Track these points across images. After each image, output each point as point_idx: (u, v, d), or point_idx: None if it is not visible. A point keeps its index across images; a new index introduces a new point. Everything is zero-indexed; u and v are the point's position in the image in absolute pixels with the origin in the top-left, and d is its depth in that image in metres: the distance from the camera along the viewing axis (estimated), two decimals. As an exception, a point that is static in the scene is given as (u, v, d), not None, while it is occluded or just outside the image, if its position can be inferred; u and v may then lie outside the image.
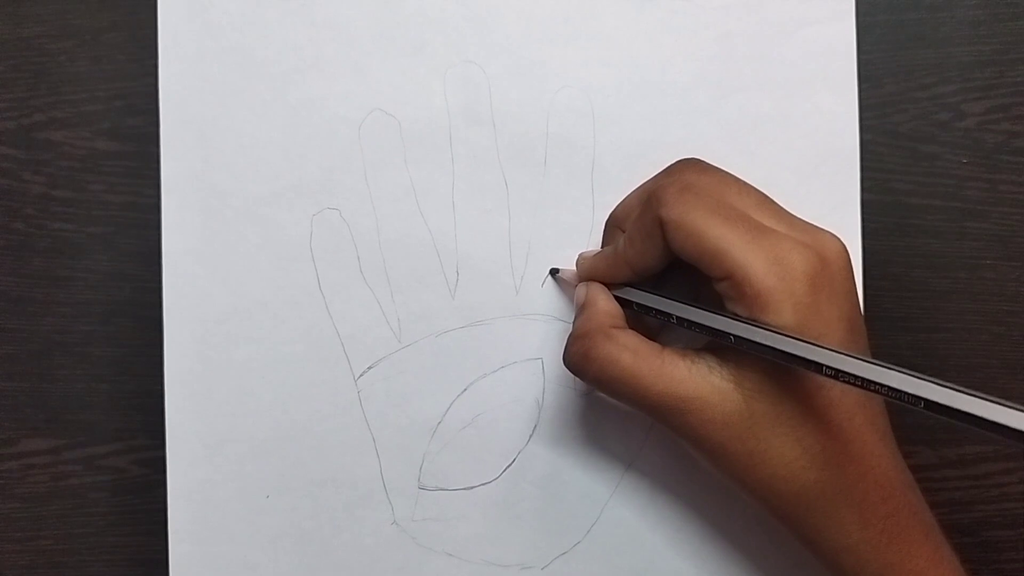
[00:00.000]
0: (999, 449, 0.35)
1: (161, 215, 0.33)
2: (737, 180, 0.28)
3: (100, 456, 0.35)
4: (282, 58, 0.33)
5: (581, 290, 0.30)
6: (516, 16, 0.33)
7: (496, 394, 0.33)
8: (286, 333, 0.33)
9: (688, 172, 0.28)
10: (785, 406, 0.26)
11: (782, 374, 0.26)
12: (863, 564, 0.27)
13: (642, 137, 0.33)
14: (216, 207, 0.33)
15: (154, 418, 0.33)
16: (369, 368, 0.33)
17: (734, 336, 0.25)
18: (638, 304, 0.29)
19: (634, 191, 0.31)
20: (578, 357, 0.28)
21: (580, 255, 0.32)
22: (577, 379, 0.33)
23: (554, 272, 0.33)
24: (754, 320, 0.25)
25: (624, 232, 0.29)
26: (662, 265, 0.28)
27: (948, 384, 0.22)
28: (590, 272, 0.31)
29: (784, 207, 0.28)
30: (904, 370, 0.22)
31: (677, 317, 0.27)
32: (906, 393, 0.22)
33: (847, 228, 0.33)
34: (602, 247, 0.32)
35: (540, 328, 0.33)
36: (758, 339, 0.25)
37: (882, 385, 0.23)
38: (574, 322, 0.30)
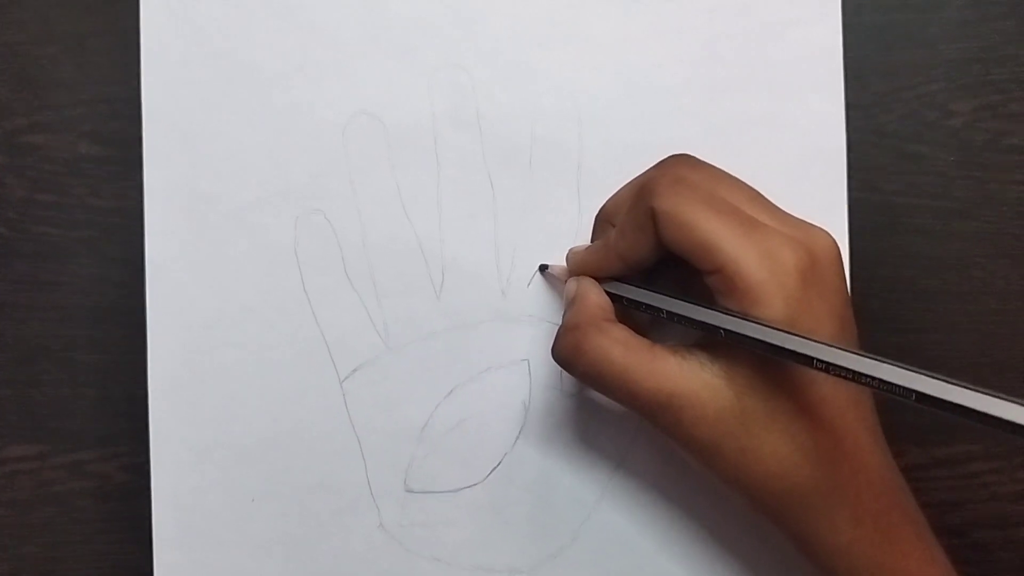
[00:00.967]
0: (989, 448, 0.34)
1: (145, 219, 0.33)
2: (729, 175, 0.28)
3: (85, 462, 0.34)
4: (267, 61, 0.33)
5: (571, 284, 0.30)
6: (502, 19, 0.33)
7: (482, 397, 0.33)
8: (271, 337, 0.33)
9: (680, 166, 0.28)
10: (777, 402, 0.26)
11: (773, 370, 0.26)
12: (855, 565, 0.26)
13: (628, 139, 0.33)
14: (200, 211, 0.33)
15: (139, 424, 0.33)
16: (354, 371, 0.33)
17: (724, 330, 0.25)
18: (628, 299, 0.29)
19: (625, 185, 0.31)
20: (568, 350, 0.28)
21: (570, 250, 0.31)
22: (564, 381, 0.33)
23: (543, 268, 0.33)
24: (745, 314, 0.25)
25: (614, 226, 0.29)
26: (653, 258, 0.28)
27: (939, 376, 0.21)
28: (581, 266, 0.30)
29: (775, 203, 0.28)
30: (895, 363, 0.22)
31: (667, 312, 0.27)
32: (897, 385, 0.22)
33: (834, 228, 0.33)
34: (591, 242, 0.32)
35: (526, 330, 0.33)
36: (748, 332, 0.25)
37: (873, 378, 0.22)
38: (564, 315, 0.30)
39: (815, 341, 0.24)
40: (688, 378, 0.26)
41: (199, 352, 0.33)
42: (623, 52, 0.33)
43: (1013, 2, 0.34)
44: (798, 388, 0.26)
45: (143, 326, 0.33)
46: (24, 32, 0.34)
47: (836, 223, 0.33)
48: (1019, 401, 0.20)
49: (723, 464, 0.27)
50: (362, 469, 0.33)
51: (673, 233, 0.26)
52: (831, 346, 0.23)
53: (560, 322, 0.30)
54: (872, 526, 0.26)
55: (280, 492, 0.33)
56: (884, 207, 0.34)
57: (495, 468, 0.33)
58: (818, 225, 0.27)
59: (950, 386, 0.21)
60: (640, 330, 0.28)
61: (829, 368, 0.23)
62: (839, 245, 0.27)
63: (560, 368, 0.32)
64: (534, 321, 0.33)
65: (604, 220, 0.31)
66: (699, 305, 0.26)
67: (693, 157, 0.29)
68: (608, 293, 0.29)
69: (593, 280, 0.30)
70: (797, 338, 0.24)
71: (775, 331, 0.24)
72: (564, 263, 0.32)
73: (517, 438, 0.33)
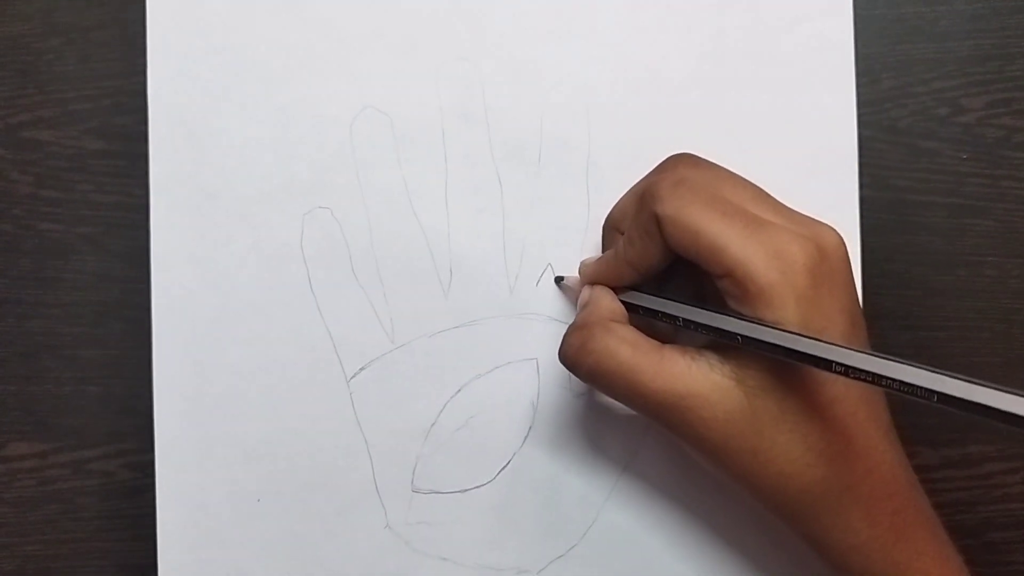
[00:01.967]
0: (1002, 449, 0.34)
1: (150, 215, 0.32)
2: (731, 174, 0.28)
3: (88, 460, 0.34)
4: (272, 56, 0.33)
5: (585, 291, 0.30)
6: (510, 13, 0.33)
7: (490, 395, 0.33)
8: (277, 334, 0.32)
9: (681, 167, 0.28)
10: (788, 403, 0.26)
11: (784, 370, 0.26)
12: (870, 563, 0.26)
13: (637, 135, 0.33)
14: (206, 207, 0.32)
15: (143, 421, 0.33)
16: (361, 369, 0.33)
17: (741, 336, 0.25)
18: (644, 308, 0.28)
19: (627, 192, 0.30)
20: (574, 349, 0.27)
21: (582, 262, 0.31)
22: (573, 380, 0.32)
23: (559, 280, 0.32)
24: (758, 318, 0.25)
25: (622, 234, 0.29)
26: (665, 263, 0.27)
27: (961, 376, 0.21)
28: (593, 277, 0.30)
29: (780, 200, 0.28)
30: (916, 364, 0.22)
31: (683, 319, 0.27)
32: (919, 387, 0.21)
33: (846, 225, 0.32)
34: (602, 251, 0.31)
35: (535, 328, 0.33)
36: (766, 338, 0.24)
37: (894, 379, 0.22)
38: (575, 319, 0.29)
39: (833, 344, 0.23)
40: (698, 379, 0.26)
41: (204, 349, 0.32)
42: (631, 46, 0.33)
43: (1027, -3, 0.34)
44: (809, 388, 0.26)
45: (148, 323, 0.32)
46: (28, 25, 0.34)
47: (848, 220, 0.33)
48: None
49: (734, 465, 0.26)
50: (368, 468, 0.33)
51: (679, 238, 0.26)
52: (849, 349, 0.23)
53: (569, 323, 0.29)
54: (886, 525, 0.26)
55: (286, 491, 0.33)
56: (896, 204, 0.34)
57: (503, 468, 0.33)
58: (824, 221, 0.27)
59: (973, 386, 0.21)
60: (659, 339, 0.28)
61: (849, 372, 0.23)
62: (849, 244, 0.27)
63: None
64: (543, 319, 0.33)
65: (611, 228, 0.30)
66: (714, 312, 0.26)
67: (694, 156, 0.29)
68: (625, 303, 0.29)
69: (607, 288, 0.30)
70: (815, 342, 0.23)
71: (792, 335, 0.24)
72: (575, 263, 0.32)
73: (526, 438, 0.33)
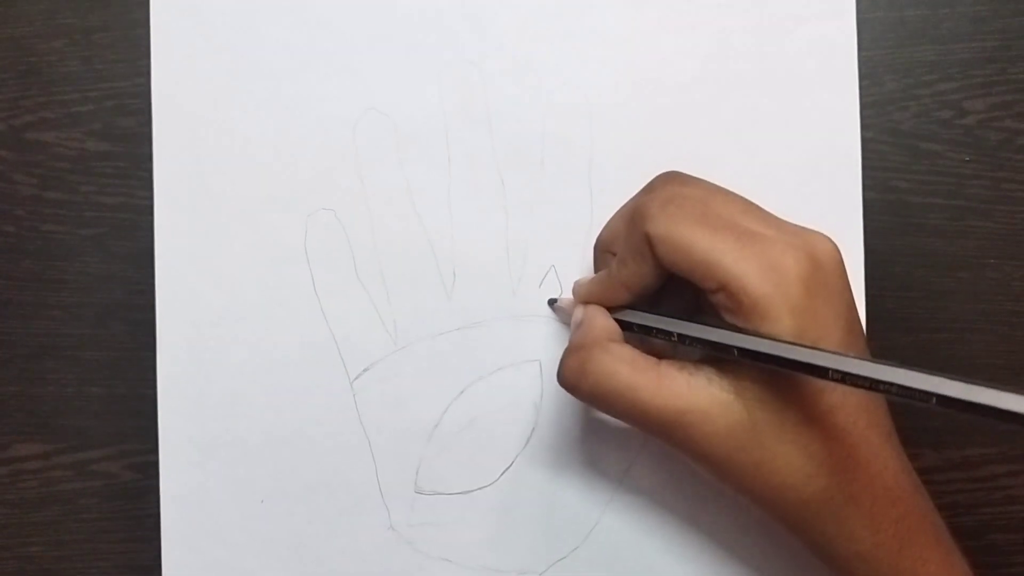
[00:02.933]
0: (1004, 451, 0.34)
1: (153, 217, 0.32)
2: (719, 188, 0.28)
3: (91, 461, 0.34)
4: (275, 57, 0.33)
5: (578, 311, 0.30)
6: (513, 14, 0.33)
7: (493, 397, 0.33)
8: (280, 336, 0.32)
9: (669, 185, 0.28)
10: (788, 413, 0.26)
11: (782, 382, 0.26)
12: (875, 571, 0.26)
13: (640, 136, 0.33)
14: (209, 208, 0.32)
15: (146, 422, 0.33)
16: (364, 371, 0.33)
17: (737, 349, 0.25)
18: (639, 325, 0.28)
19: (616, 213, 0.30)
20: (573, 371, 0.27)
21: (576, 282, 0.31)
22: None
23: (552, 302, 0.32)
24: (754, 330, 0.25)
25: (614, 255, 0.29)
26: (658, 282, 0.27)
27: (959, 377, 0.21)
28: (586, 298, 0.30)
29: (770, 210, 0.28)
30: (912, 367, 0.22)
31: (678, 334, 0.27)
32: (917, 390, 0.21)
33: (848, 227, 0.33)
34: (594, 273, 0.31)
35: (538, 330, 0.33)
36: (761, 349, 0.24)
37: (891, 384, 0.22)
38: (570, 340, 0.29)
39: (829, 352, 0.23)
40: (697, 394, 0.26)
41: (208, 350, 0.32)
42: (634, 47, 0.33)
43: (1029, -1, 0.34)
44: (808, 398, 0.26)
45: (151, 324, 0.32)
46: (31, 26, 0.34)
47: (850, 222, 0.33)
48: None
49: (737, 478, 0.26)
50: (372, 469, 0.33)
51: (671, 256, 0.26)
52: (845, 355, 0.23)
53: (567, 343, 0.29)
54: (890, 533, 0.26)
55: (289, 492, 0.33)
56: (898, 206, 0.34)
57: (506, 469, 0.33)
58: (817, 230, 0.27)
59: (972, 387, 0.21)
60: (654, 356, 0.28)
61: (845, 378, 0.23)
62: (851, 247, 0.27)
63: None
64: (546, 320, 0.33)
65: (603, 250, 0.30)
66: (709, 325, 0.26)
67: (681, 173, 0.29)
68: (619, 321, 0.29)
69: (600, 307, 0.29)
70: (810, 350, 0.24)
71: (787, 345, 0.24)
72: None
73: (529, 439, 0.33)
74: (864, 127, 0.33)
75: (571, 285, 0.32)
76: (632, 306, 0.29)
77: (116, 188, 0.34)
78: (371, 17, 0.33)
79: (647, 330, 0.28)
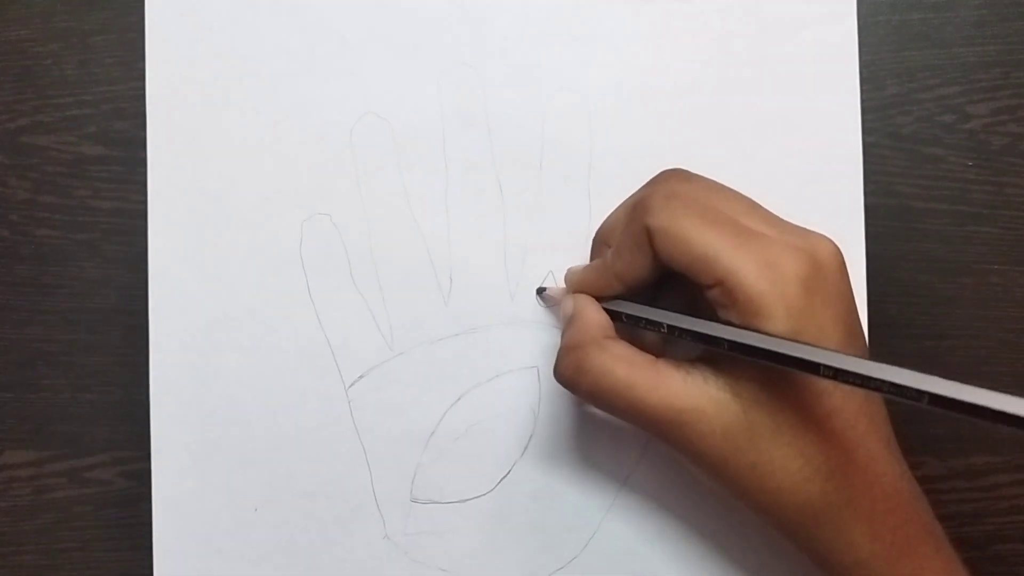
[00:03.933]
0: (1009, 460, 0.34)
1: (148, 221, 0.32)
2: (723, 187, 0.28)
3: (84, 468, 0.34)
4: (272, 61, 0.32)
5: (568, 302, 0.30)
6: (511, 18, 0.32)
7: (491, 404, 0.32)
8: (275, 341, 0.32)
9: (673, 181, 0.28)
10: (785, 415, 0.25)
11: (780, 383, 0.25)
12: None
13: (640, 141, 0.32)
14: (204, 213, 0.32)
15: (141, 429, 0.32)
16: (360, 377, 0.32)
17: (727, 342, 0.25)
18: (628, 315, 0.28)
19: (620, 205, 0.30)
20: (570, 370, 0.27)
21: (568, 269, 0.31)
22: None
23: (540, 291, 0.32)
24: (747, 325, 0.24)
25: (611, 247, 0.29)
26: (652, 277, 0.27)
27: (951, 377, 0.21)
28: (579, 286, 0.30)
29: (773, 212, 0.27)
30: (904, 368, 0.21)
31: (667, 326, 0.27)
32: (908, 388, 0.21)
33: (850, 232, 0.32)
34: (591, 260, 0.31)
35: (536, 336, 0.32)
36: (751, 342, 0.24)
37: (883, 381, 0.22)
38: (563, 335, 0.29)
39: (819, 347, 0.23)
40: (693, 393, 0.26)
41: (202, 356, 0.32)
42: (634, 51, 0.32)
43: (1032, 3, 0.33)
44: (806, 401, 0.25)
45: (145, 329, 0.32)
46: (26, 29, 0.34)
47: (852, 227, 0.32)
48: None
49: (733, 479, 0.26)
50: (367, 477, 0.32)
51: (670, 249, 0.26)
52: (836, 352, 0.23)
53: (560, 337, 0.29)
54: (888, 540, 0.26)
55: (283, 500, 0.32)
56: (900, 211, 0.34)
57: (504, 477, 0.32)
58: (820, 232, 0.27)
59: (964, 387, 0.20)
60: (643, 350, 0.28)
61: (837, 374, 0.22)
62: (853, 252, 0.27)
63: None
64: (544, 326, 0.32)
65: (601, 242, 0.30)
66: (699, 318, 0.26)
67: (686, 171, 0.29)
68: (608, 311, 0.29)
69: (590, 297, 0.29)
70: (801, 345, 0.23)
71: (779, 340, 0.24)
72: (563, 280, 0.31)
73: (526, 447, 0.32)
74: (866, 131, 0.32)
75: (558, 310, 0.32)
76: (621, 299, 0.29)
77: (111, 192, 0.34)
78: (369, 20, 0.32)
79: (636, 320, 0.28)
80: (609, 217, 0.30)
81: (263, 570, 0.32)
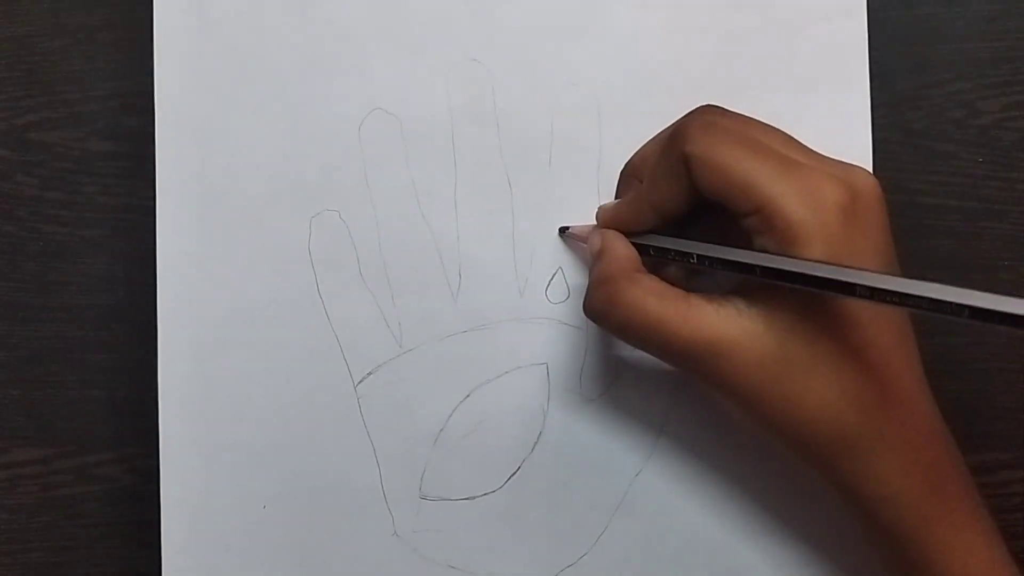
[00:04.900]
0: (1019, 456, 0.33)
1: (156, 217, 0.32)
2: (760, 121, 0.28)
3: (92, 465, 0.34)
4: (280, 56, 0.32)
5: (595, 237, 0.29)
6: (520, 13, 0.32)
7: (500, 400, 0.32)
8: (284, 338, 0.32)
9: (710, 113, 0.28)
10: (820, 346, 0.25)
11: (815, 313, 0.25)
12: (901, 516, 0.26)
13: (649, 135, 0.32)
14: (213, 209, 0.32)
15: (149, 426, 0.32)
16: (369, 374, 0.32)
17: (760, 268, 0.24)
18: (656, 248, 0.28)
19: (651, 139, 0.30)
20: (601, 303, 0.27)
21: (601, 207, 0.30)
22: (583, 385, 0.32)
23: (563, 230, 0.32)
24: (783, 253, 0.24)
25: (641, 181, 0.29)
26: (687, 207, 0.27)
27: (992, 291, 0.20)
28: (612, 220, 0.29)
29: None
30: (942, 283, 0.21)
31: (697, 256, 0.26)
32: (949, 303, 0.21)
33: (861, 228, 0.32)
34: (616, 198, 0.31)
35: (545, 332, 0.32)
36: (786, 267, 0.24)
37: (922, 298, 0.21)
38: (591, 270, 0.29)
39: (856, 268, 0.23)
40: (726, 325, 0.25)
41: (210, 353, 0.32)
42: (643, 46, 0.32)
43: (1043, -2, 0.33)
44: (841, 331, 0.25)
45: (153, 326, 0.32)
46: (33, 25, 0.34)
47: (863, 223, 0.32)
48: None
49: (766, 411, 0.26)
50: (376, 474, 0.32)
51: (708, 176, 0.25)
52: (873, 272, 0.22)
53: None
54: (920, 476, 0.26)
55: (292, 497, 0.32)
56: (910, 207, 0.33)
57: (513, 474, 0.32)
58: (859, 165, 0.26)
59: (1004, 298, 0.20)
60: (672, 284, 0.27)
61: (874, 294, 0.22)
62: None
63: (579, 372, 0.32)
64: (553, 323, 0.32)
65: (630, 175, 0.30)
66: (730, 246, 0.25)
67: (721, 107, 0.28)
68: (636, 245, 0.28)
69: (618, 232, 0.29)
70: (836, 267, 0.23)
71: (813, 263, 0.23)
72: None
73: (536, 444, 0.32)
74: (876, 127, 0.32)
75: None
76: (655, 232, 0.28)
77: (119, 189, 0.34)
78: (377, 15, 0.32)
79: (665, 253, 0.27)
80: (640, 150, 0.30)
81: (272, 567, 0.32)
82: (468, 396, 0.32)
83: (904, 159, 0.33)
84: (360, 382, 0.32)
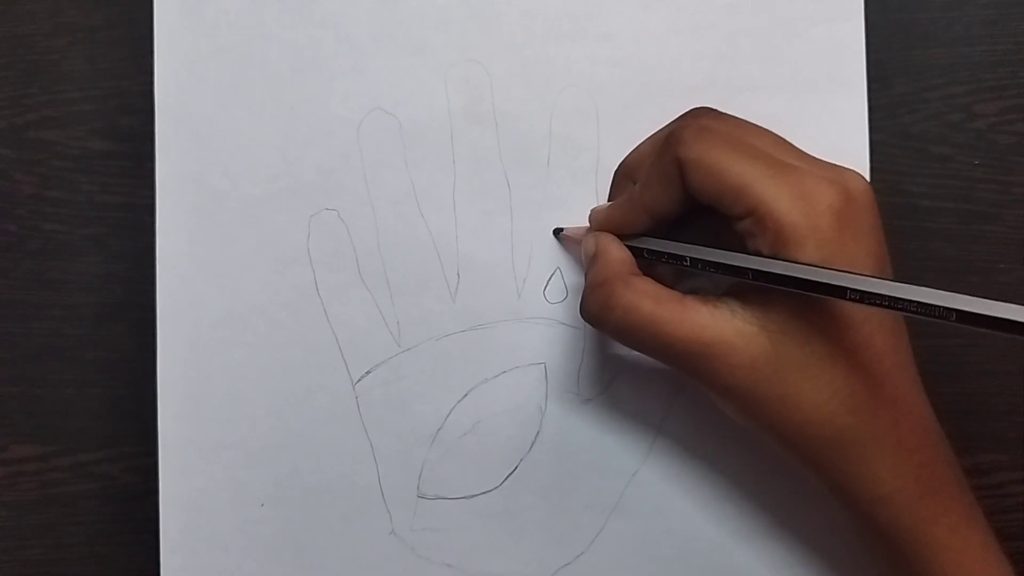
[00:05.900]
0: (1014, 458, 0.34)
1: (155, 216, 0.32)
2: (754, 124, 0.28)
3: (90, 463, 0.34)
4: (280, 56, 0.32)
5: (590, 240, 0.29)
6: (519, 14, 0.32)
7: (497, 400, 0.32)
8: (282, 337, 0.32)
9: (704, 117, 0.28)
10: (813, 347, 0.25)
11: (808, 315, 0.25)
12: (896, 516, 0.26)
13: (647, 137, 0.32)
14: (211, 208, 0.32)
15: (146, 424, 0.32)
16: (367, 373, 0.32)
17: (752, 271, 0.25)
18: (649, 251, 0.28)
19: (646, 140, 0.30)
20: (597, 306, 0.27)
21: (593, 208, 0.31)
22: (581, 384, 0.32)
23: (557, 232, 0.32)
24: (774, 255, 0.25)
25: (635, 183, 0.29)
26: (680, 210, 0.27)
27: (978, 295, 0.21)
28: (605, 223, 0.30)
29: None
30: (931, 286, 0.22)
31: (691, 259, 0.27)
32: (937, 307, 0.21)
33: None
34: (610, 199, 0.31)
35: (543, 332, 0.32)
36: (777, 271, 0.24)
37: (911, 301, 0.22)
38: (587, 273, 0.29)
39: (846, 272, 0.23)
40: (720, 326, 0.26)
41: (209, 351, 0.32)
42: (642, 48, 0.33)
43: (1040, 2, 0.34)
44: (834, 333, 0.25)
45: (152, 325, 0.32)
46: (34, 24, 0.34)
47: (859, 225, 0.32)
48: None
49: (760, 412, 0.26)
50: (374, 473, 0.32)
51: (702, 180, 0.26)
52: (863, 275, 0.23)
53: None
54: (913, 477, 0.26)
55: (290, 496, 0.32)
56: (907, 210, 0.34)
57: (510, 474, 0.32)
58: (851, 168, 0.27)
59: (991, 303, 0.20)
60: (665, 286, 0.28)
61: (864, 297, 0.22)
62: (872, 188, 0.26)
63: (577, 372, 0.32)
64: (551, 323, 0.32)
65: (624, 176, 0.30)
66: (723, 250, 0.26)
67: (716, 109, 0.29)
68: (630, 248, 0.29)
69: (612, 235, 0.29)
70: (827, 271, 0.23)
71: (804, 267, 0.24)
72: (591, 214, 0.31)
73: (533, 443, 0.32)
74: (873, 130, 0.32)
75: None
76: (648, 234, 0.28)
77: (118, 187, 0.34)
78: (377, 16, 0.32)
79: (659, 255, 0.28)
80: (633, 152, 0.30)
81: (270, 566, 0.32)
82: (466, 395, 0.32)
83: (901, 162, 0.33)
84: (358, 381, 0.32)
